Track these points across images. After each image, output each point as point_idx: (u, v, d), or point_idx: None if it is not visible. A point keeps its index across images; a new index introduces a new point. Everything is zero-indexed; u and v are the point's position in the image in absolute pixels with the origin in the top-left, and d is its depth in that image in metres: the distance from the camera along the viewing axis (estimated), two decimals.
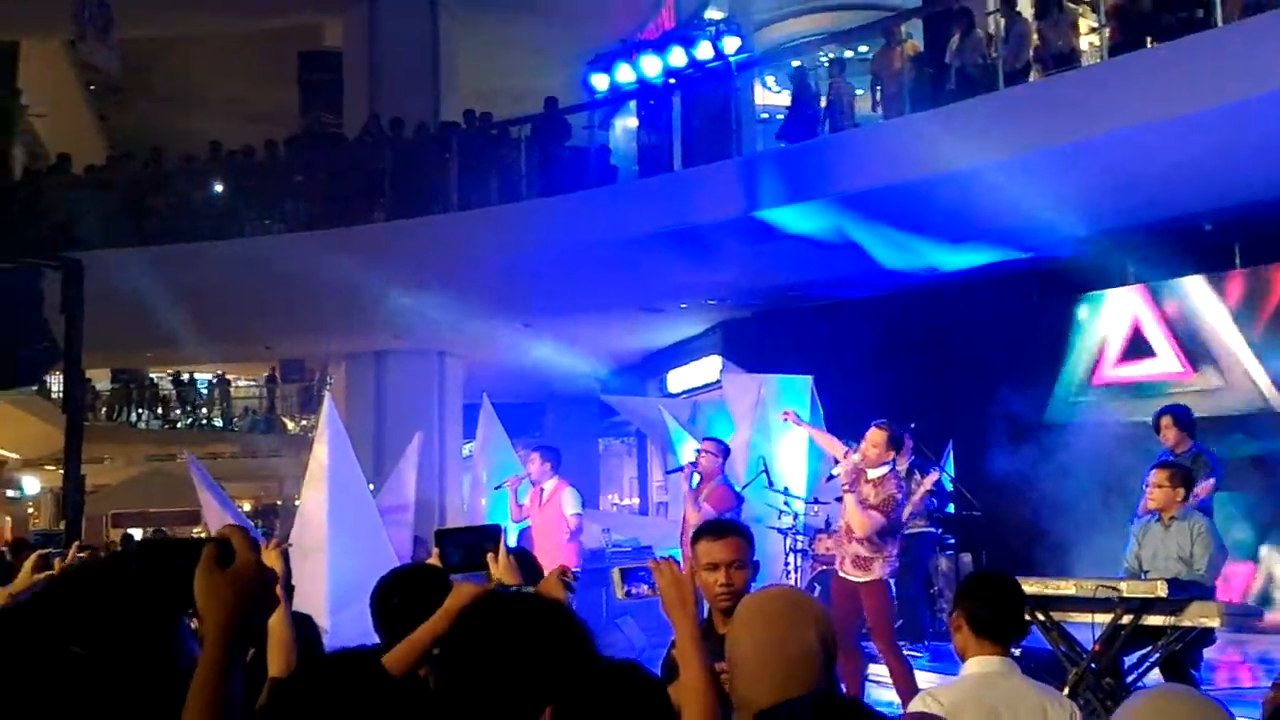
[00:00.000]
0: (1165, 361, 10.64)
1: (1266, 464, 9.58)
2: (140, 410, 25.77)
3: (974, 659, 3.30)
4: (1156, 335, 10.77)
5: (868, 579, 6.80)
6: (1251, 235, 10.15)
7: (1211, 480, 7.21)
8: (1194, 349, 10.50)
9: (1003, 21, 10.58)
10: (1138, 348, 10.86)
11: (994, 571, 3.83)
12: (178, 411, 26.35)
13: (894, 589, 7.09)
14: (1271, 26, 8.17)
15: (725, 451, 8.64)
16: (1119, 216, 10.17)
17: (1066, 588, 6.01)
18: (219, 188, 15.35)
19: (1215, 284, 10.47)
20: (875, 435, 6.95)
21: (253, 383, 27.98)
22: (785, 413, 8.55)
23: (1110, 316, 11.13)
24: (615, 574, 2.93)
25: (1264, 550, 9.68)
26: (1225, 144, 8.66)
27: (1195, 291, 10.57)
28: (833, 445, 7.40)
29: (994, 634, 3.30)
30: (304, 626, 3.42)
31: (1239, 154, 8.84)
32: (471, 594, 2.60)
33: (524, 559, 3.80)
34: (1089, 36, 10.31)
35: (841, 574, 6.98)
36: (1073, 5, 10.42)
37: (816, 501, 10.29)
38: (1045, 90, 9.76)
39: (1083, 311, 11.32)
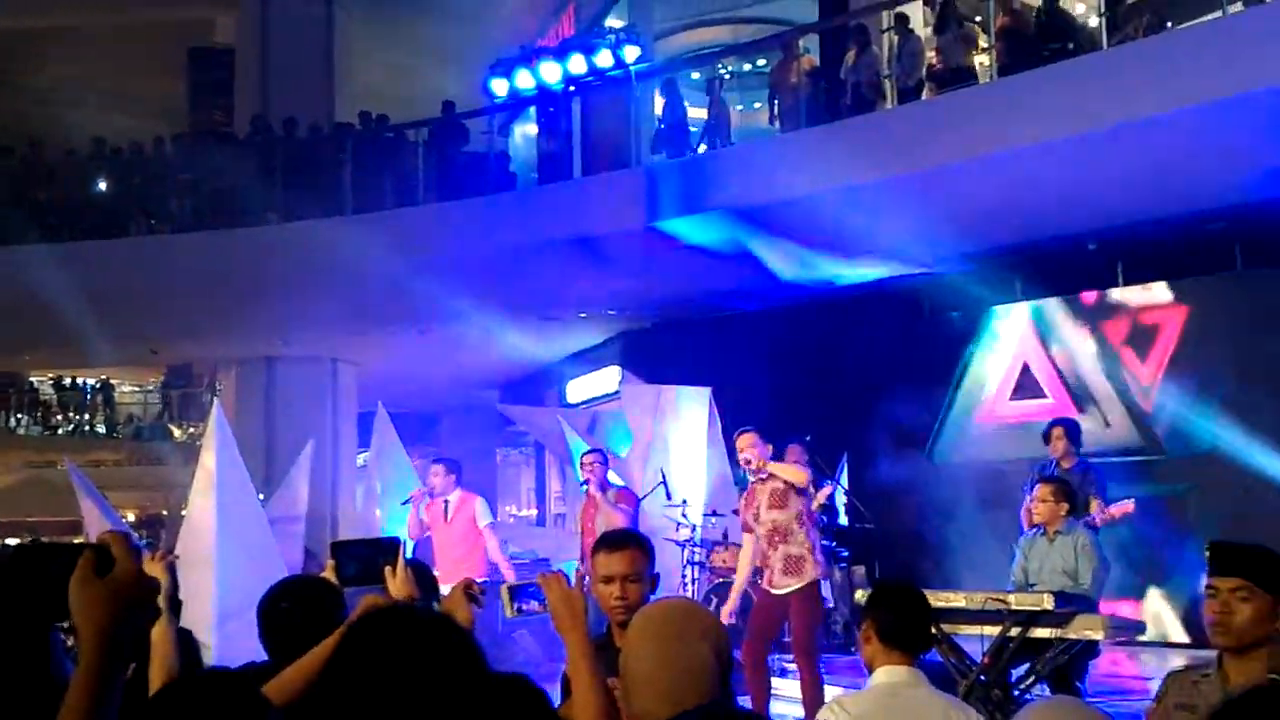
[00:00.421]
0: (1052, 402, 10.79)
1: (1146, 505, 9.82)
2: (19, 415, 24.86)
3: (882, 669, 3.32)
4: (1044, 373, 10.97)
5: (800, 584, 6.73)
6: (1133, 256, 10.45)
7: (1128, 501, 7.31)
8: (1079, 390, 10.70)
9: (896, 39, 10.76)
10: (1026, 387, 11.02)
11: (901, 581, 3.86)
12: (59, 417, 25.46)
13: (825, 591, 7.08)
14: (1153, 51, 8.44)
15: (606, 460, 9.06)
16: (1009, 234, 10.41)
17: (956, 600, 6.10)
18: (103, 185, 14.87)
19: (1094, 307, 10.75)
20: (746, 439, 6.94)
21: (137, 388, 27.16)
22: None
23: (999, 350, 11.28)
24: (504, 591, 2.89)
25: (1150, 591, 9.94)
26: (1111, 165, 8.91)
27: (1075, 317, 10.80)
28: (798, 474, 7.11)
29: (902, 644, 3.32)
30: (184, 642, 3.30)
31: (1126, 175, 9.10)
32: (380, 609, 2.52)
33: (420, 572, 3.72)
34: (980, 57, 10.52)
35: (770, 588, 6.85)
36: (969, 23, 10.63)
37: (714, 514, 10.34)
38: (935, 108, 9.95)
39: (972, 333, 11.49)
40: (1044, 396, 10.89)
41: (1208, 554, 3.11)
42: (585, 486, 8.92)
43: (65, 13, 17.30)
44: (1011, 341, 11.21)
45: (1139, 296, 10.55)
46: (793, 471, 6.90)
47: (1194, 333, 10.09)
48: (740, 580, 7.33)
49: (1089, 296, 10.81)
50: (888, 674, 3.31)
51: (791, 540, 6.80)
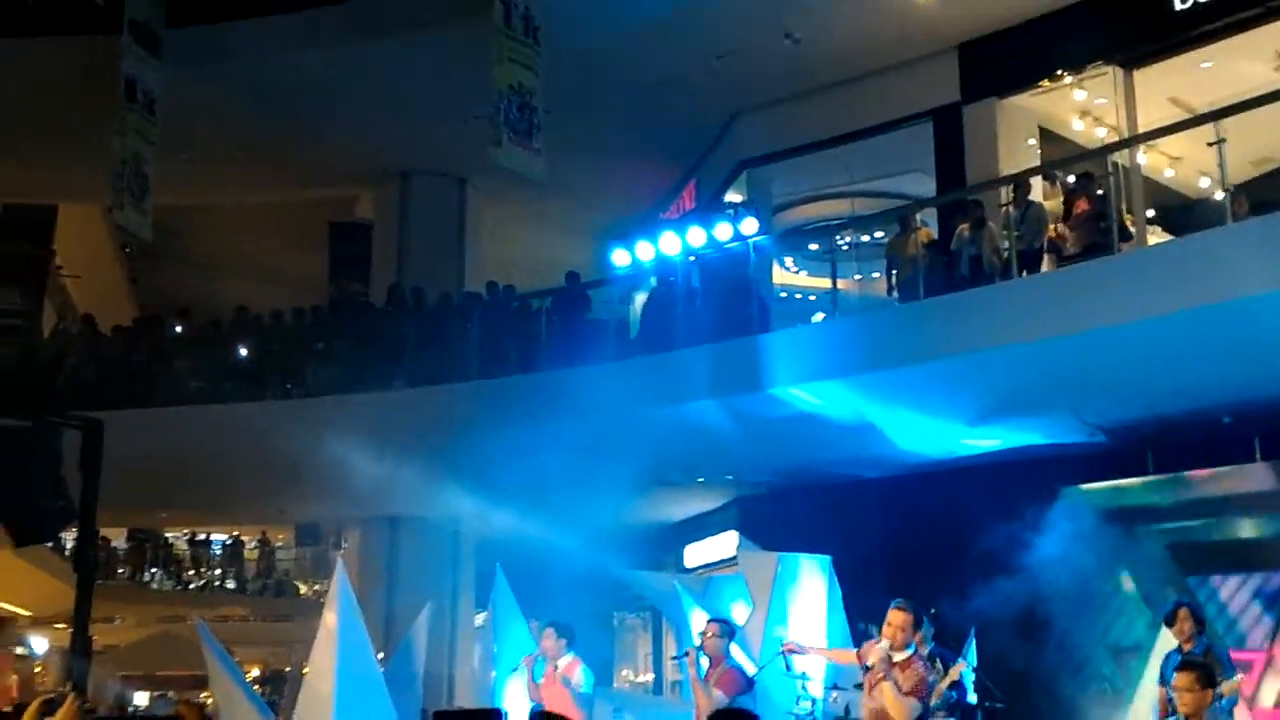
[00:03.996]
0: None
1: None
2: (154, 570, 25.64)
3: None
4: None
5: None
6: (1271, 427, 10.12)
7: (1236, 679, 7.09)
8: None
9: (1014, 211, 10.87)
10: None
11: None
12: (191, 572, 26.20)
13: None
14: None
15: (731, 633, 8.61)
16: (1139, 407, 10.20)
17: None
18: (243, 351, 15.59)
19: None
20: (899, 617, 6.78)
21: (257, 544, 27.80)
22: (786, 645, 8.31)
23: None
24: None
25: None
26: (1241, 338, 8.74)
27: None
28: (846, 656, 7.06)
29: None
30: None
31: (1257, 348, 8.91)
32: None
33: None
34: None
35: None
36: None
37: (836, 687, 10.06)
38: (1057, 280, 9.95)
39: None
40: None
41: None
42: (682, 659, 8.75)
43: (222, 191, 18.43)
44: None
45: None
46: (898, 710, 6.61)
47: None
48: (825, 653, 7.22)
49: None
50: None
51: None
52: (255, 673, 25.06)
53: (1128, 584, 10.95)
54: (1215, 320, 8.43)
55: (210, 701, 13.23)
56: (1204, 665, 6.61)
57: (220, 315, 16.41)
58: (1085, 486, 11.23)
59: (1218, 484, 10.49)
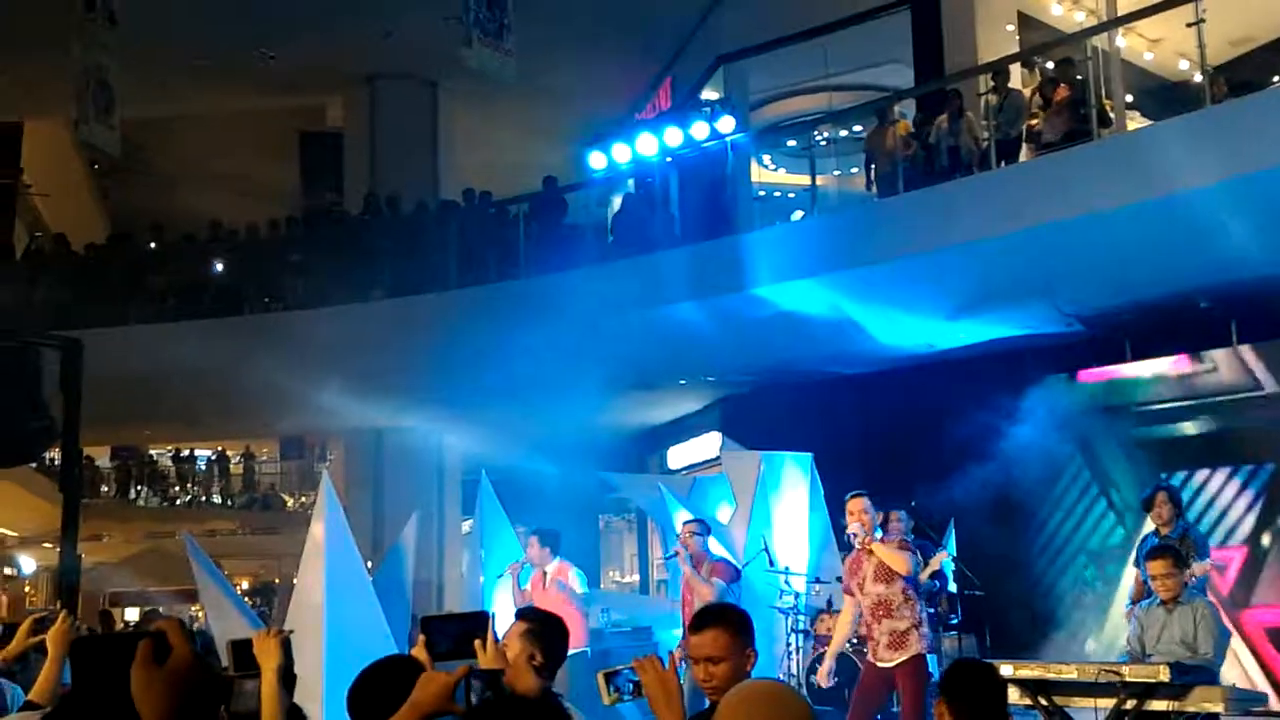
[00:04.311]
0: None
1: None
2: (140, 487, 25.70)
3: None
4: None
5: (905, 657, 6.68)
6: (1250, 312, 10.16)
7: (1207, 561, 7.20)
8: None
9: (995, 99, 10.75)
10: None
11: (976, 664, 3.82)
12: (176, 488, 26.26)
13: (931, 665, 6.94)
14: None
15: (707, 530, 8.88)
16: (1116, 294, 10.21)
17: (1068, 672, 5.94)
18: (219, 266, 15.44)
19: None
20: (856, 504, 6.92)
21: (241, 458, 27.83)
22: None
23: None
24: (600, 678, 2.90)
25: None
26: (1217, 221, 8.72)
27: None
28: (901, 562, 6.93)
29: None
30: (293, 718, 3.35)
31: (1237, 230, 8.89)
32: (442, 683, 2.56)
33: (547, 625, 3.71)
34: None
35: (876, 661, 6.82)
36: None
37: (818, 581, 10.22)
38: (1035, 169, 9.88)
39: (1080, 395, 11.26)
40: None
41: None
42: (673, 559, 8.89)
43: (188, 102, 18.08)
44: None
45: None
46: (896, 559, 6.77)
47: None
48: (837, 642, 7.30)
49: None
50: None
51: (897, 614, 6.73)
52: (245, 585, 25.29)
53: (1104, 481, 11.04)
54: (1191, 206, 8.40)
55: (201, 615, 13.36)
56: (1175, 550, 6.72)
57: (194, 230, 16.20)
58: (1067, 379, 11.31)
59: (1197, 377, 10.56)
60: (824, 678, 7.02)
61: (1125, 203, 8.61)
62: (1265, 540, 9.76)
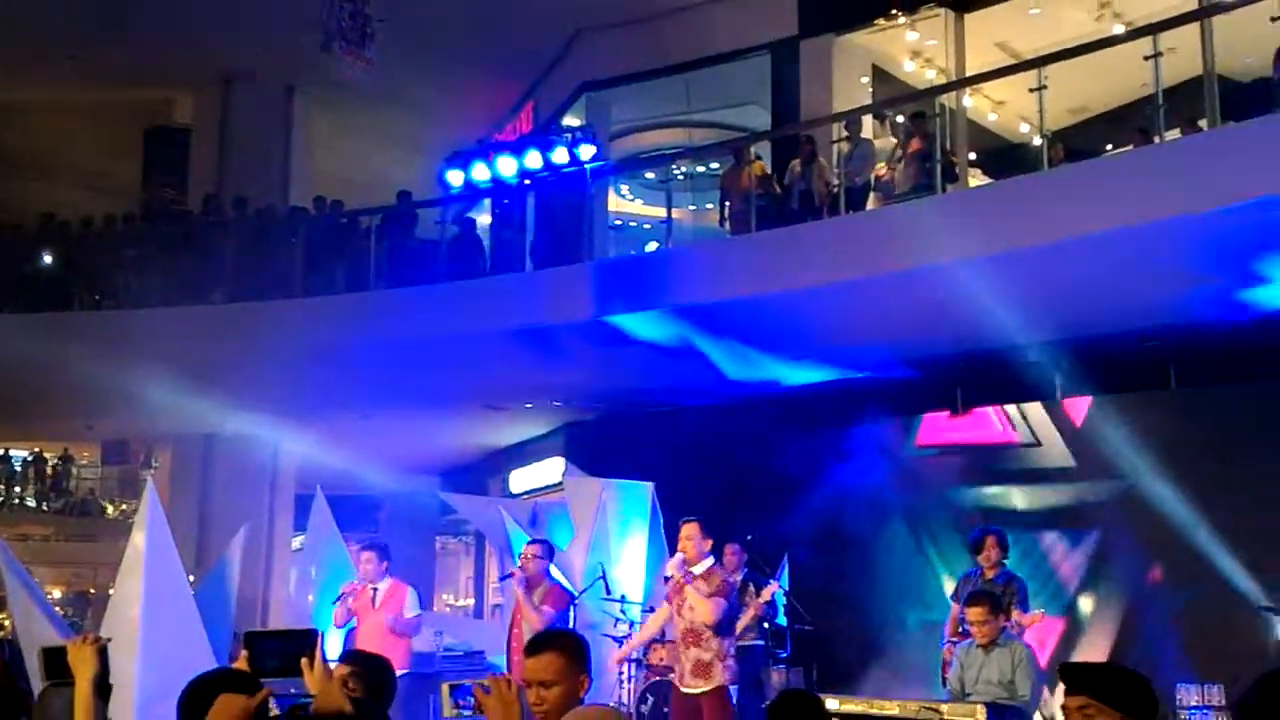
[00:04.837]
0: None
1: None
2: None
3: None
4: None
5: (709, 687, 6.82)
6: (1072, 368, 10.65)
7: (1039, 612, 7.49)
8: None
9: (847, 148, 11.07)
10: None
11: (804, 695, 3.89)
12: None
13: (734, 696, 7.10)
14: (1092, 172, 8.70)
15: (550, 553, 8.74)
16: (948, 344, 10.58)
17: (890, 708, 6.13)
18: (49, 259, 14.73)
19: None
20: (687, 529, 7.09)
21: (59, 461, 26.60)
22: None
23: None
24: (445, 690, 2.86)
25: None
26: (1049, 280, 9.12)
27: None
28: (709, 613, 7.09)
29: None
30: None
31: (1066, 290, 9.31)
32: (242, 707, 2.50)
33: (371, 667, 3.67)
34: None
35: (682, 688, 6.96)
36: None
37: (653, 610, 10.25)
38: (882, 218, 10.19)
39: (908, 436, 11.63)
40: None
41: (1059, 673, 3.10)
42: (508, 580, 8.81)
43: (32, 89, 17.27)
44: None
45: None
46: (705, 609, 6.89)
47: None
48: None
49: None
50: None
51: (704, 645, 6.90)
52: (57, 594, 24.08)
53: (928, 524, 11.38)
54: (1032, 261, 8.76)
55: (8, 624, 12.65)
56: (992, 595, 6.99)
57: (23, 221, 15.44)
58: (902, 423, 11.67)
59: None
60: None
61: (961, 257, 8.92)
62: (1085, 607, 10.18)
